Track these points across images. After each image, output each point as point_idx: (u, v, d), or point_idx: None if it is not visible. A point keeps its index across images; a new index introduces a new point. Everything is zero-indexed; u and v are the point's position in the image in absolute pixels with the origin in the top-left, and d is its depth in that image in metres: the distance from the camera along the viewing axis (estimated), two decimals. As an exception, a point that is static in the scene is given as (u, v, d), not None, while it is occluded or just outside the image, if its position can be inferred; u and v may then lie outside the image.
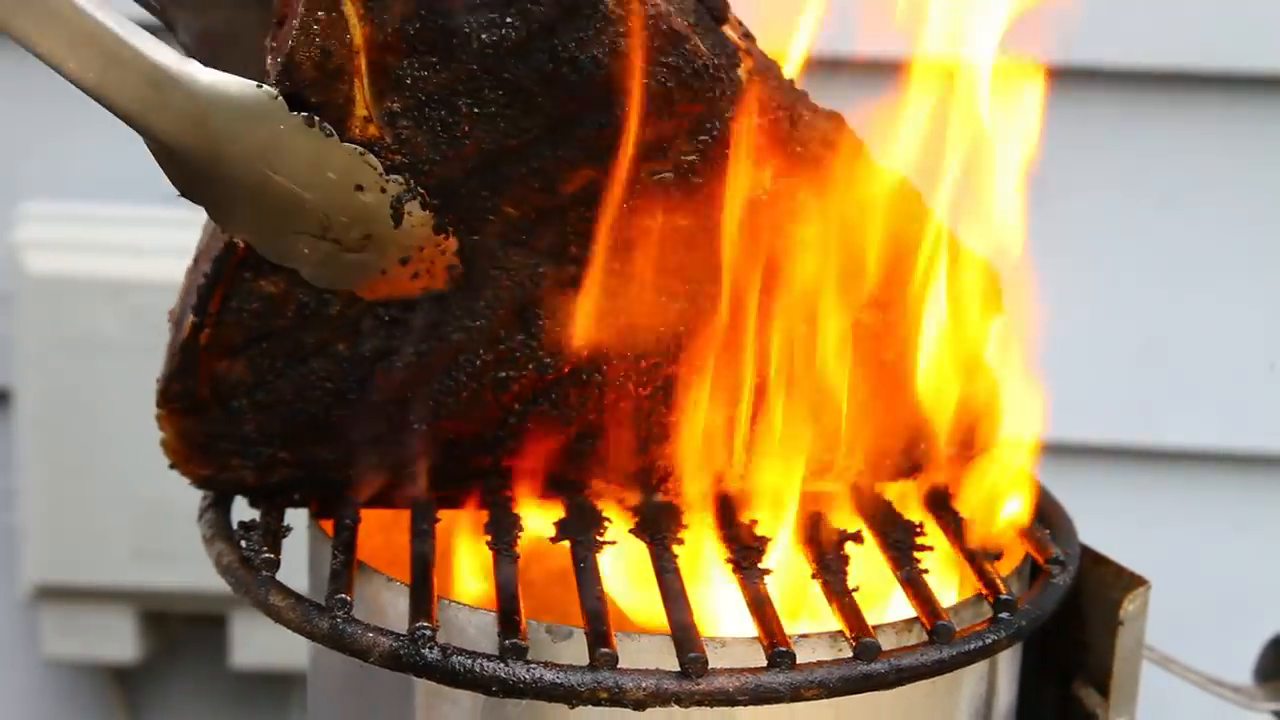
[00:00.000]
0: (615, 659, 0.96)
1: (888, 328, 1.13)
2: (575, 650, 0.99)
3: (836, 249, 1.08)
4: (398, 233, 1.03)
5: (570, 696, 0.96)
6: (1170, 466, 1.85)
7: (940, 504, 1.17)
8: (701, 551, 1.11)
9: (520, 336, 1.08)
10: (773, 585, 1.05)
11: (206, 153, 0.98)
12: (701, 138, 1.03)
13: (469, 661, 0.97)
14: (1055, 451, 1.80)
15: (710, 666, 0.96)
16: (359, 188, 1.01)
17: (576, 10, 0.99)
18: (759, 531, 1.10)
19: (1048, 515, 1.19)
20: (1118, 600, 1.13)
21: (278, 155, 0.99)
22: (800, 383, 1.11)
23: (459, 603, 1.03)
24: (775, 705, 0.98)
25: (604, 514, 1.13)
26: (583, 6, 0.99)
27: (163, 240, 1.78)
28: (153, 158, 1.02)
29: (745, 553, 1.08)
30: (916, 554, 1.10)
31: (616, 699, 0.96)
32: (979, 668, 1.08)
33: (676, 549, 1.09)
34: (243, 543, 1.08)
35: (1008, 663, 1.12)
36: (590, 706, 0.97)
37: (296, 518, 1.14)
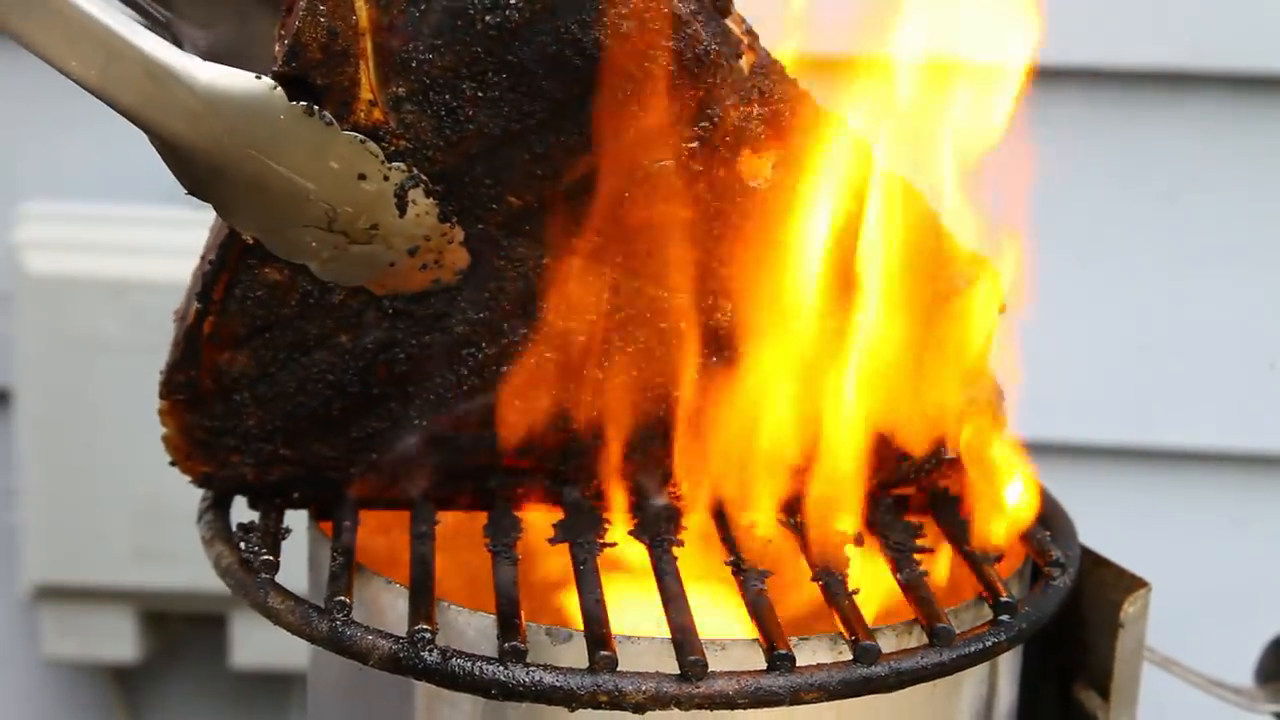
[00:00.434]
0: (615, 662, 0.96)
1: (883, 325, 1.12)
2: (575, 653, 0.99)
3: (835, 244, 1.08)
4: (404, 222, 1.03)
5: (570, 700, 0.96)
6: (1170, 466, 1.85)
7: (941, 506, 1.17)
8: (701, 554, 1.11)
9: (523, 330, 1.08)
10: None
11: (209, 147, 0.99)
12: (702, 124, 1.04)
13: (468, 664, 0.97)
14: (1055, 451, 1.81)
15: (710, 669, 0.96)
16: (362, 176, 1.02)
17: None
18: (759, 534, 1.10)
19: (1048, 516, 1.19)
20: (1118, 602, 1.13)
21: (279, 146, 1.00)
22: (801, 382, 1.11)
23: (458, 605, 1.03)
24: (775, 708, 0.98)
25: (603, 515, 1.13)
26: None
27: (163, 240, 1.79)
28: (160, 157, 1.02)
29: (745, 555, 1.08)
30: (916, 556, 1.10)
31: (616, 702, 0.96)
32: (979, 670, 1.08)
33: (676, 551, 1.09)
34: (242, 544, 1.08)
35: (1008, 665, 1.12)
36: (590, 710, 0.97)
37: (296, 519, 1.14)
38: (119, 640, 1.89)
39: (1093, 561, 1.16)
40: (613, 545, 1.10)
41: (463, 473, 1.13)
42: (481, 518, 1.13)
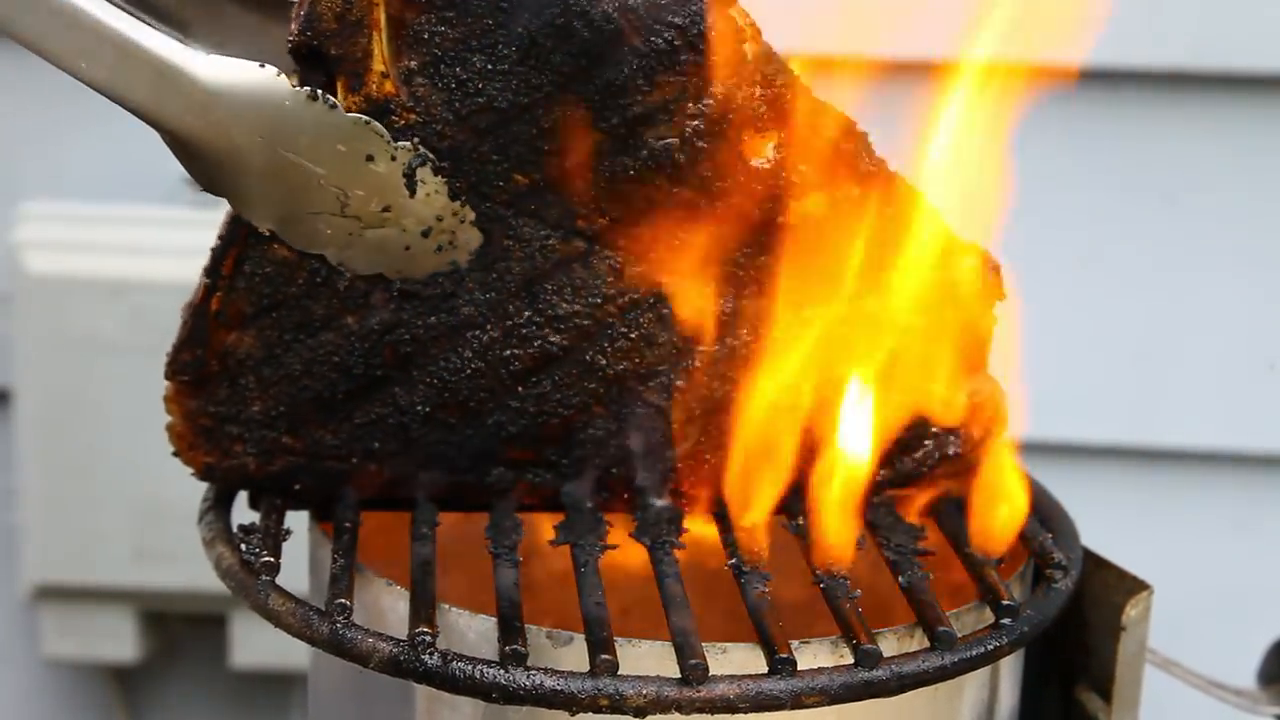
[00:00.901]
0: (615, 666, 0.96)
1: (884, 321, 1.12)
2: (576, 656, 0.99)
3: (833, 239, 1.08)
4: (415, 202, 1.05)
5: (570, 703, 0.96)
6: (1170, 466, 1.85)
7: (942, 508, 1.17)
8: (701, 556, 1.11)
9: (528, 312, 1.09)
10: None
11: (218, 138, 1.01)
12: (706, 101, 1.05)
13: (469, 668, 0.97)
14: (1055, 451, 1.81)
15: (711, 673, 0.96)
16: (369, 158, 1.03)
17: None
18: (760, 536, 1.10)
19: (1049, 518, 1.19)
20: (1120, 605, 1.13)
21: (285, 132, 1.02)
22: (802, 380, 1.11)
23: (459, 608, 1.03)
24: (777, 712, 0.98)
25: (604, 517, 1.13)
26: None
27: (163, 240, 1.79)
28: (173, 156, 1.04)
29: (746, 557, 1.08)
30: (918, 559, 1.10)
31: (617, 706, 0.96)
32: (981, 673, 1.08)
33: (677, 553, 1.09)
34: (243, 546, 1.08)
35: (1010, 668, 1.12)
36: (590, 714, 0.97)
37: (297, 521, 1.14)
38: (119, 640, 1.89)
39: (1094, 564, 1.15)
40: (614, 547, 1.10)
41: (463, 464, 1.13)
42: (482, 519, 1.13)
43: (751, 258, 1.09)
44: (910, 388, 1.13)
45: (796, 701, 0.97)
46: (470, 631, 1.02)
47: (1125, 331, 1.82)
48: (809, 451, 1.11)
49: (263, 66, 1.01)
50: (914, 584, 1.06)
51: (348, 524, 1.10)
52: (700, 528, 1.13)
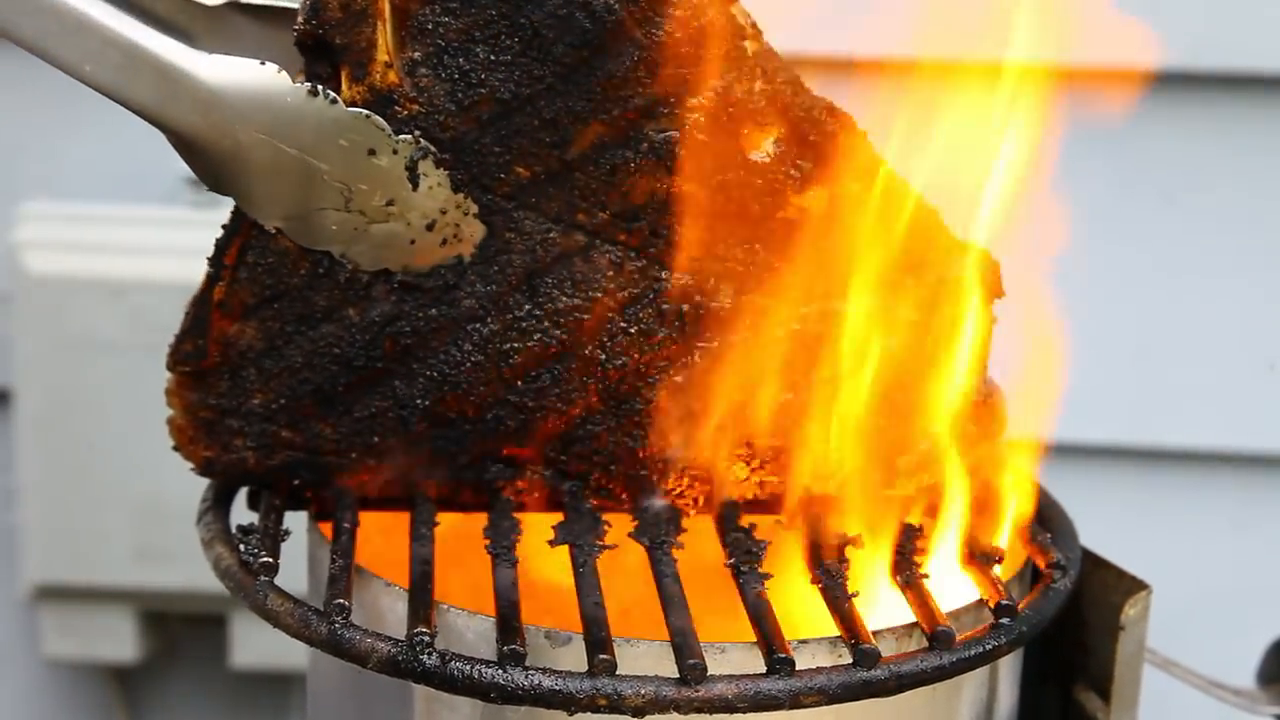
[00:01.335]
0: (614, 665, 0.96)
1: (884, 320, 1.13)
2: (574, 656, 0.99)
3: (833, 236, 1.09)
4: (419, 196, 1.06)
5: (569, 703, 0.96)
6: (1170, 466, 1.85)
7: (941, 507, 1.16)
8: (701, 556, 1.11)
9: (528, 306, 1.09)
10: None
11: (222, 136, 1.02)
12: (706, 95, 1.06)
13: (467, 668, 0.97)
14: (1055, 451, 1.81)
15: (709, 673, 0.96)
16: (372, 152, 1.04)
17: None
18: (759, 536, 1.10)
19: (1048, 518, 1.18)
20: (1119, 605, 1.13)
21: (288, 128, 1.03)
22: (801, 378, 1.11)
23: (458, 608, 1.03)
24: (775, 712, 0.98)
25: (603, 517, 1.13)
26: None
27: (163, 240, 1.79)
28: (179, 156, 1.05)
29: (745, 557, 1.08)
30: (916, 558, 1.10)
31: (615, 706, 0.96)
32: (980, 673, 1.08)
33: (676, 553, 1.09)
34: (241, 546, 1.08)
35: (1009, 668, 1.12)
36: (589, 713, 0.97)
37: (295, 521, 1.14)
38: (119, 640, 1.89)
39: (1093, 563, 1.15)
40: (613, 547, 1.10)
41: (462, 460, 1.13)
42: (481, 519, 1.13)
43: (752, 253, 1.09)
44: (910, 387, 1.13)
45: (795, 701, 0.97)
46: (469, 631, 1.02)
47: (1125, 332, 1.82)
48: (808, 449, 1.11)
49: (263, 64, 1.02)
50: (912, 583, 1.06)
51: (346, 524, 1.10)
52: (700, 527, 1.13)
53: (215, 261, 1.08)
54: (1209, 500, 1.86)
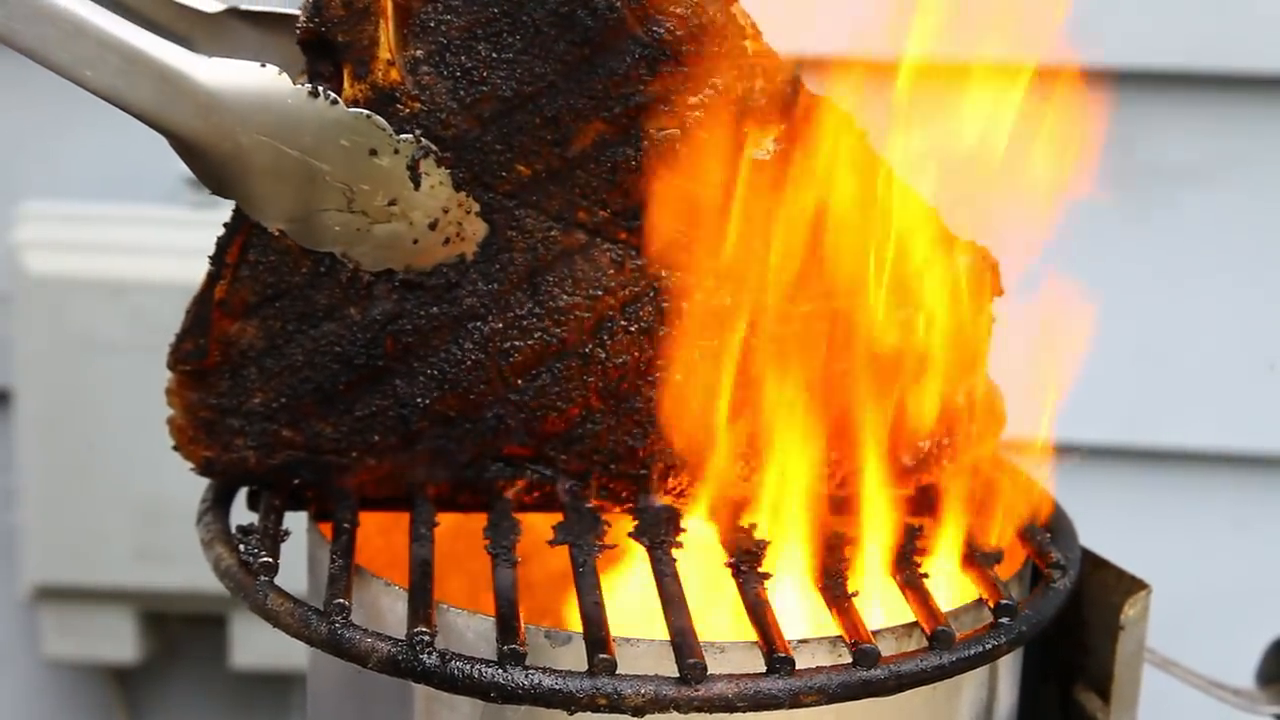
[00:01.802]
0: (614, 665, 0.96)
1: (880, 319, 1.13)
2: (574, 656, 0.99)
3: (833, 235, 1.09)
4: (421, 195, 1.06)
5: (569, 702, 0.96)
6: (1170, 466, 1.85)
7: (941, 507, 1.16)
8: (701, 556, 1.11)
9: (529, 304, 1.09)
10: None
11: (223, 139, 1.02)
12: (707, 93, 1.06)
13: (467, 667, 0.97)
14: (1055, 452, 1.80)
15: (709, 672, 0.96)
16: (373, 152, 1.05)
17: None
18: (759, 535, 1.10)
19: (1048, 518, 1.18)
20: (1118, 604, 1.13)
21: (289, 130, 1.03)
22: (800, 377, 1.11)
23: (457, 608, 1.03)
24: (775, 711, 0.98)
25: (603, 517, 1.13)
26: None
27: (163, 240, 1.79)
28: (181, 160, 1.04)
29: (745, 557, 1.08)
30: (916, 558, 1.10)
31: (615, 705, 0.96)
32: (979, 673, 1.08)
33: (675, 553, 1.09)
34: (241, 546, 1.08)
35: (1008, 667, 1.12)
36: (589, 713, 0.97)
37: (295, 521, 1.14)
38: (119, 640, 1.89)
39: (1093, 563, 1.15)
40: (612, 547, 1.10)
41: (462, 459, 1.13)
42: (481, 520, 1.13)
43: (751, 251, 1.09)
44: (910, 387, 1.13)
45: (794, 700, 0.97)
46: (469, 631, 1.02)
47: (1125, 332, 1.81)
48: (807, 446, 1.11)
49: (263, 66, 1.02)
50: (912, 582, 1.06)
51: (346, 524, 1.10)
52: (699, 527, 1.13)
53: (217, 260, 1.08)
54: (1209, 500, 1.86)
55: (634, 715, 0.97)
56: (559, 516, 1.13)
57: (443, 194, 1.06)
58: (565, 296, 1.10)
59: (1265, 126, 1.77)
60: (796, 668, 0.97)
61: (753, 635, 1.00)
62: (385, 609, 1.06)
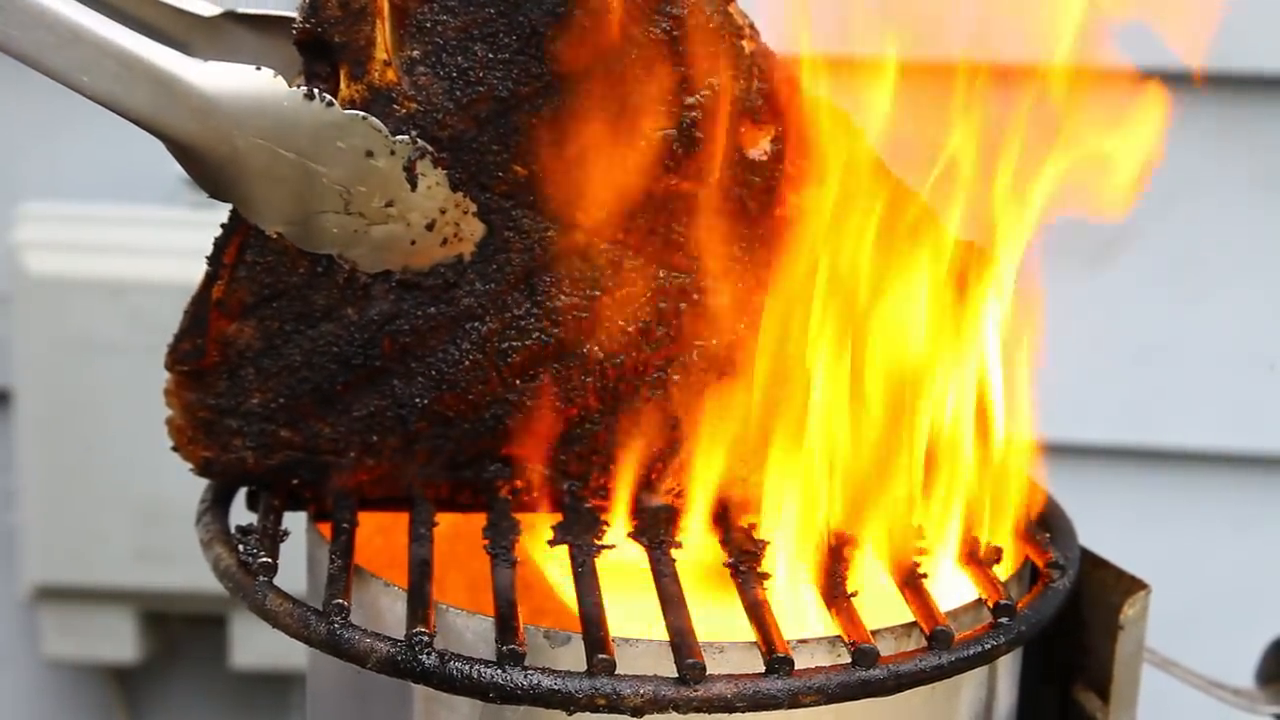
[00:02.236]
0: (613, 665, 0.96)
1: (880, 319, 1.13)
2: (573, 656, 0.99)
3: (832, 234, 1.09)
4: (417, 196, 1.06)
5: (568, 703, 0.96)
6: (1170, 466, 1.85)
7: (940, 507, 1.16)
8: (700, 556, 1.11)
9: (526, 305, 1.09)
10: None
11: (220, 143, 1.02)
12: (704, 93, 1.06)
13: (466, 667, 0.97)
14: (1055, 451, 1.80)
15: (708, 672, 0.96)
16: (369, 153, 1.05)
17: None
18: (757, 535, 1.10)
19: (1047, 518, 1.18)
20: (1118, 604, 1.13)
21: (285, 133, 1.03)
22: (799, 377, 1.11)
23: (456, 608, 1.03)
24: (774, 712, 0.98)
25: (602, 517, 1.13)
26: None
27: (163, 240, 1.79)
28: (178, 164, 1.05)
29: (744, 557, 1.08)
30: (915, 559, 1.09)
31: (614, 705, 0.96)
32: (979, 673, 1.08)
33: (674, 553, 1.09)
34: (240, 546, 1.08)
35: (1007, 667, 1.12)
36: (588, 713, 0.97)
37: (294, 521, 1.14)
38: (119, 640, 1.89)
39: (1092, 563, 1.15)
40: (611, 547, 1.10)
41: (461, 460, 1.13)
42: (480, 520, 1.13)
43: (749, 251, 1.09)
44: (909, 386, 1.13)
45: (794, 700, 0.97)
46: (468, 631, 1.02)
47: (1125, 332, 1.81)
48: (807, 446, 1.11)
49: (259, 69, 1.02)
50: (911, 583, 1.06)
51: (345, 524, 1.10)
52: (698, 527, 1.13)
53: (214, 260, 1.08)
54: (1209, 500, 1.86)
55: (633, 715, 0.96)
56: (559, 516, 1.13)
57: (440, 195, 1.06)
58: (563, 297, 1.10)
59: (1265, 126, 1.77)
60: (795, 668, 0.97)
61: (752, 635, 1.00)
62: (384, 609, 1.06)
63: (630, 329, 1.10)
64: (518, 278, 1.09)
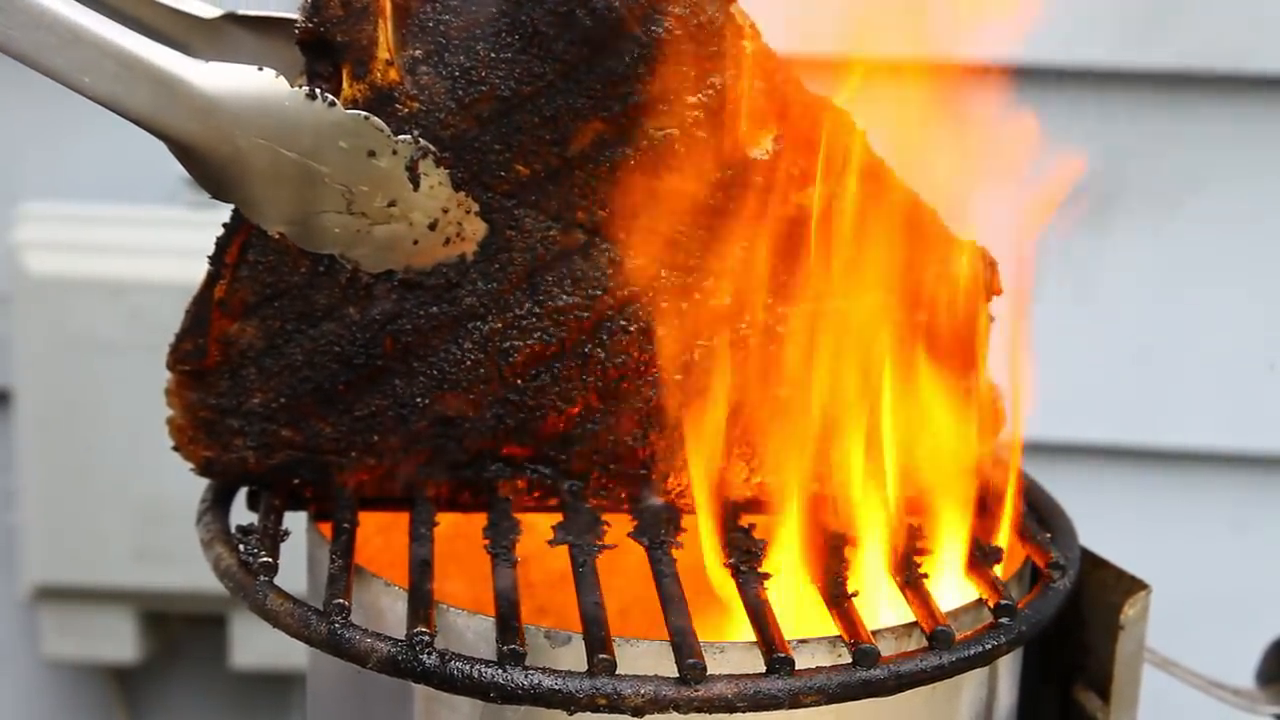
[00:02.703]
0: (613, 665, 0.96)
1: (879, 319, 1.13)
2: (574, 656, 0.99)
3: (832, 233, 1.09)
4: (420, 195, 1.06)
5: (568, 703, 0.96)
6: (1170, 466, 1.85)
7: (939, 507, 1.16)
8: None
9: (528, 304, 1.09)
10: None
11: (222, 143, 1.02)
12: (706, 92, 1.06)
13: (467, 667, 0.97)
14: (1055, 451, 1.81)
15: (709, 673, 0.96)
16: (371, 153, 1.05)
17: None
18: (758, 535, 1.10)
19: (1048, 518, 1.19)
20: (1118, 604, 1.13)
21: (287, 133, 1.03)
22: (799, 377, 1.11)
23: (457, 608, 1.03)
24: (774, 712, 0.98)
25: (602, 517, 1.13)
26: None
27: (162, 240, 1.79)
28: (180, 165, 1.05)
29: (744, 557, 1.08)
30: (916, 559, 1.10)
31: (615, 705, 0.96)
32: (979, 673, 1.08)
33: (675, 553, 1.09)
34: (241, 546, 1.08)
35: (1008, 667, 1.12)
36: (588, 713, 0.97)
37: (295, 521, 1.14)
38: (119, 640, 1.89)
39: (1093, 563, 1.15)
40: (612, 547, 1.10)
41: (462, 459, 1.13)
42: (481, 519, 1.13)
43: (750, 251, 1.09)
44: (910, 386, 1.13)
45: (794, 701, 0.97)
46: (468, 631, 1.02)
47: (1125, 332, 1.81)
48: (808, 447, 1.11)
49: (260, 69, 1.02)
50: (912, 583, 1.06)
51: (346, 524, 1.10)
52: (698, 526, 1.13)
53: (216, 259, 1.08)
54: (1209, 500, 1.86)
55: (633, 715, 0.97)
56: (559, 516, 1.13)
57: (442, 194, 1.06)
58: (564, 296, 1.10)
59: (1265, 127, 1.77)
60: (796, 668, 0.97)
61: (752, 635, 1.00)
62: (385, 609, 1.06)
63: (632, 328, 1.10)
64: (520, 277, 1.09)
